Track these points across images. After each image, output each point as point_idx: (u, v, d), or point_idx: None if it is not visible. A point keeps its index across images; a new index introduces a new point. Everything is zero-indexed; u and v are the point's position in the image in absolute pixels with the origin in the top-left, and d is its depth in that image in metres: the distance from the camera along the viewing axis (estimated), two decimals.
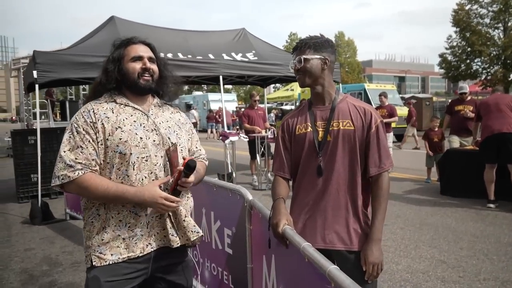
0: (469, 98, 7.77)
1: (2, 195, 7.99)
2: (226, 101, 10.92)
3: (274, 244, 1.88)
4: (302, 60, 1.93)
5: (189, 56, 7.66)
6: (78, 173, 1.67)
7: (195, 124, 24.37)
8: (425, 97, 24.29)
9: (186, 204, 1.92)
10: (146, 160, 1.76)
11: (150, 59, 1.87)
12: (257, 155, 8.19)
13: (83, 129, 1.73)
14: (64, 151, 1.70)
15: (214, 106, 27.31)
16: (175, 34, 8.66)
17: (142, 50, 1.86)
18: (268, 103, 14.13)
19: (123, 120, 1.78)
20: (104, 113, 1.77)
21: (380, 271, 1.89)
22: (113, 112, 1.79)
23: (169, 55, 7.44)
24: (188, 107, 29.23)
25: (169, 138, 1.84)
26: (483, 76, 25.60)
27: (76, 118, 1.79)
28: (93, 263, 1.73)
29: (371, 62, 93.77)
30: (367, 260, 1.87)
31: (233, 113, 25.17)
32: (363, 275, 1.87)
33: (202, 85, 29.62)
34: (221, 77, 7.91)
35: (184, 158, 1.83)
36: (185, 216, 1.84)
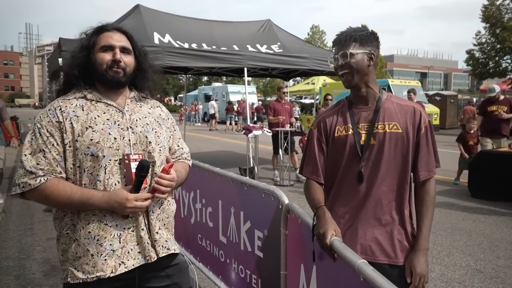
0: (502, 97, 7.41)
1: None
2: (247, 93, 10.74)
3: (318, 257, 1.73)
4: (348, 54, 1.73)
5: (214, 47, 7.51)
6: (40, 180, 1.49)
7: (213, 116, 24.34)
8: (449, 94, 23.65)
9: (162, 211, 1.72)
10: (119, 163, 1.58)
11: (123, 49, 1.67)
12: (280, 149, 8.01)
13: (47, 130, 1.54)
14: (25, 155, 1.52)
15: (233, 98, 27.19)
16: (200, 24, 8.52)
17: (115, 39, 1.66)
18: (289, 96, 13.88)
19: (95, 118, 1.59)
20: (73, 111, 1.58)
21: (425, 284, 1.74)
22: (83, 110, 1.60)
23: (194, 45, 7.31)
24: (207, 98, 29.27)
25: (146, 137, 1.66)
26: None
27: (40, 117, 1.59)
28: (69, 279, 1.56)
29: (393, 57, 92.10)
30: (414, 271, 1.72)
31: (252, 105, 25.01)
32: None
33: (222, 76, 29.56)
34: (245, 69, 7.75)
35: (167, 161, 1.66)
36: (159, 229, 1.68)
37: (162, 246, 1.68)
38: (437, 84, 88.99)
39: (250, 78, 40.14)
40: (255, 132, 7.25)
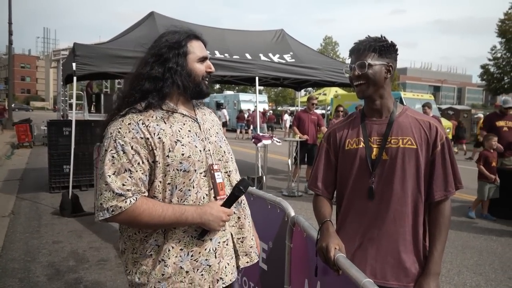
0: (510, 112, 7.06)
1: (35, 183, 8.13)
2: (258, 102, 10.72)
3: (322, 272, 1.68)
4: (366, 65, 1.66)
5: (226, 55, 7.53)
6: (130, 201, 1.39)
7: (225, 124, 24.42)
8: (463, 109, 23.38)
9: (249, 218, 1.76)
10: (204, 176, 1.54)
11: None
12: (289, 159, 7.97)
13: (132, 148, 1.42)
14: (109, 176, 1.39)
15: (244, 106, 27.26)
16: (214, 31, 8.55)
17: (205, 49, 1.64)
18: (298, 106, 13.83)
19: (179, 131, 1.51)
20: (157, 125, 1.47)
21: None
22: (165, 122, 1.50)
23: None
24: (218, 106, 29.35)
25: (220, 147, 1.65)
26: None
27: (119, 132, 1.44)
28: None
29: (406, 70, 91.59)
30: None
31: (264, 113, 25.04)
32: None
33: (234, 85, 29.62)
34: (257, 79, 7.74)
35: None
36: (252, 235, 1.73)
37: (255, 253, 1.72)
38: (450, 98, 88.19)
39: (261, 87, 40.30)
40: (265, 142, 7.21)
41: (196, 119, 1.61)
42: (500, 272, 4.19)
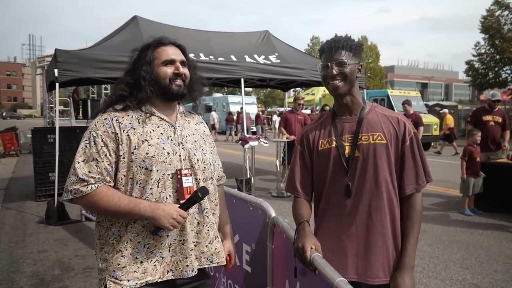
0: (497, 107, 7.00)
1: (21, 192, 8.01)
2: (246, 104, 10.54)
3: (300, 273, 1.67)
4: (347, 63, 1.68)
5: (211, 57, 7.50)
6: (91, 188, 1.53)
7: (213, 126, 24.34)
8: (449, 105, 23.64)
9: (214, 225, 1.78)
10: (172, 178, 1.62)
11: (182, 62, 1.71)
12: (277, 160, 7.98)
13: (102, 140, 1.57)
14: (78, 162, 1.55)
15: (233, 108, 27.21)
16: (198, 34, 8.52)
17: (174, 53, 1.70)
18: (288, 106, 13.86)
19: (150, 132, 1.62)
20: (130, 123, 1.61)
21: None
22: (139, 122, 1.62)
23: (191, 56, 7.30)
24: (208, 109, 29.27)
25: (194, 155, 1.70)
26: None
27: (95, 125, 1.61)
28: None
29: (393, 67, 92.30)
30: None
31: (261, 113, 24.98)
32: None
33: (223, 87, 29.54)
34: (242, 80, 7.72)
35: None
36: (209, 243, 1.73)
37: (206, 259, 1.73)
38: (438, 94, 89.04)
39: (250, 89, 40.19)
40: (252, 143, 7.19)
41: (174, 124, 1.69)
42: (486, 266, 4.23)
